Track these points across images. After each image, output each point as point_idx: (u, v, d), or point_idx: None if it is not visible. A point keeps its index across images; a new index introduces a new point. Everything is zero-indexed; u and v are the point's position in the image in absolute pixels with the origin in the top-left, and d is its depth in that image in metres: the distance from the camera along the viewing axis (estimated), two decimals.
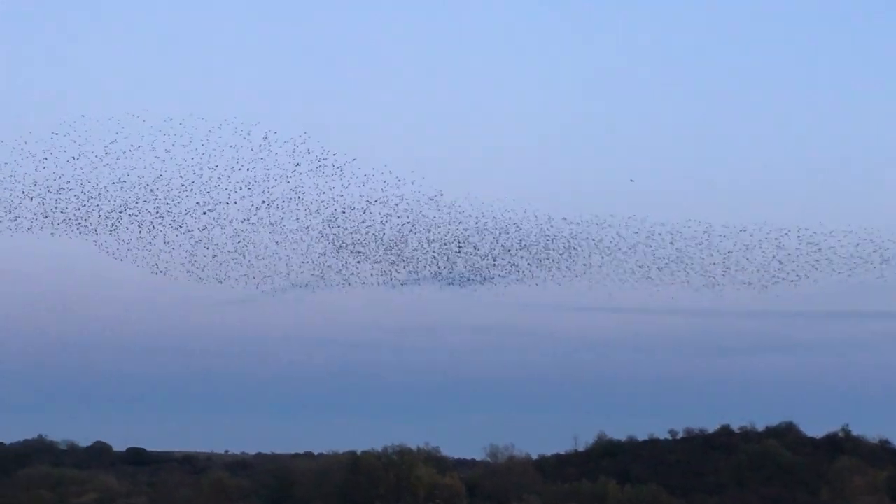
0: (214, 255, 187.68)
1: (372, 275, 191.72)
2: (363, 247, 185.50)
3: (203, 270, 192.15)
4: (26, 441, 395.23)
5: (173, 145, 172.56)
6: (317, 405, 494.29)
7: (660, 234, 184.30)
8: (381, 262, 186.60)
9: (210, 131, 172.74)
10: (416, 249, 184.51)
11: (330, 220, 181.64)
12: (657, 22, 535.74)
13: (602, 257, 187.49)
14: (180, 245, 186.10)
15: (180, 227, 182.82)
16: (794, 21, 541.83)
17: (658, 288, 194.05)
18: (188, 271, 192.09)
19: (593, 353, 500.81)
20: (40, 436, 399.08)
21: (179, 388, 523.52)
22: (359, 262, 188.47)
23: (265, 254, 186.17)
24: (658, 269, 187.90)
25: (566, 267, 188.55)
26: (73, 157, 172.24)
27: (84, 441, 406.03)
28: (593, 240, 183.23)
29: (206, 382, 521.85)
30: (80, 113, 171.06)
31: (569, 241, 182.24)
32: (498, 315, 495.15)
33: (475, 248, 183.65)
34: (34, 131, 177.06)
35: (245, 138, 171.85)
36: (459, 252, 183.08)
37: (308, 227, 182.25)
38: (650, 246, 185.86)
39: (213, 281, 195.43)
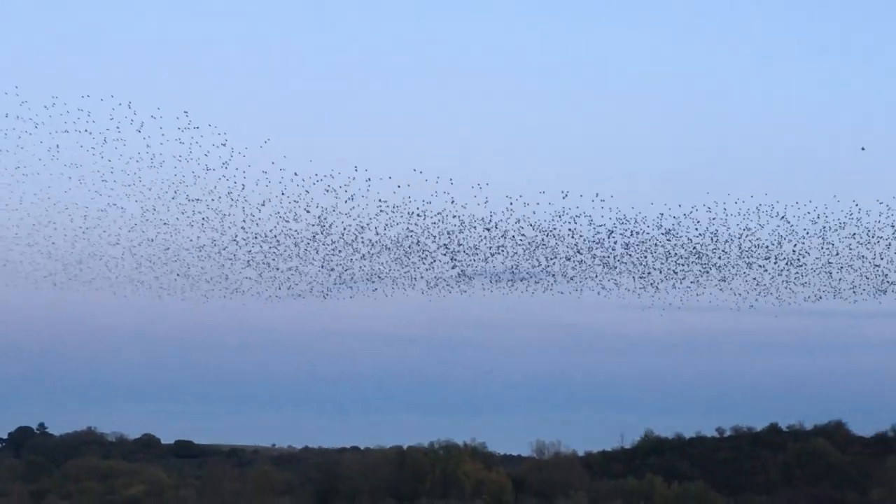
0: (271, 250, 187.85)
1: (422, 273, 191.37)
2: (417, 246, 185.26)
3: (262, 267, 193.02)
4: (76, 433, 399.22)
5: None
6: (364, 400, 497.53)
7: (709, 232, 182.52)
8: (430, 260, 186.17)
9: None
10: (461, 245, 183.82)
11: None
12: None
13: (651, 255, 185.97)
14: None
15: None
16: None
17: (707, 287, 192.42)
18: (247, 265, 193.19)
19: (642, 350, 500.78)
20: (90, 428, 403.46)
21: (228, 382, 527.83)
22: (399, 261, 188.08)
23: (327, 251, 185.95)
24: (714, 267, 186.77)
25: (613, 265, 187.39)
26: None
27: (133, 433, 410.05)
28: (639, 236, 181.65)
29: (254, 377, 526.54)
30: None
31: (625, 240, 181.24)
32: (546, 313, 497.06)
33: (514, 245, 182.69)
34: None
35: None
36: (498, 251, 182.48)
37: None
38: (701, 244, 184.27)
39: (266, 277, 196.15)
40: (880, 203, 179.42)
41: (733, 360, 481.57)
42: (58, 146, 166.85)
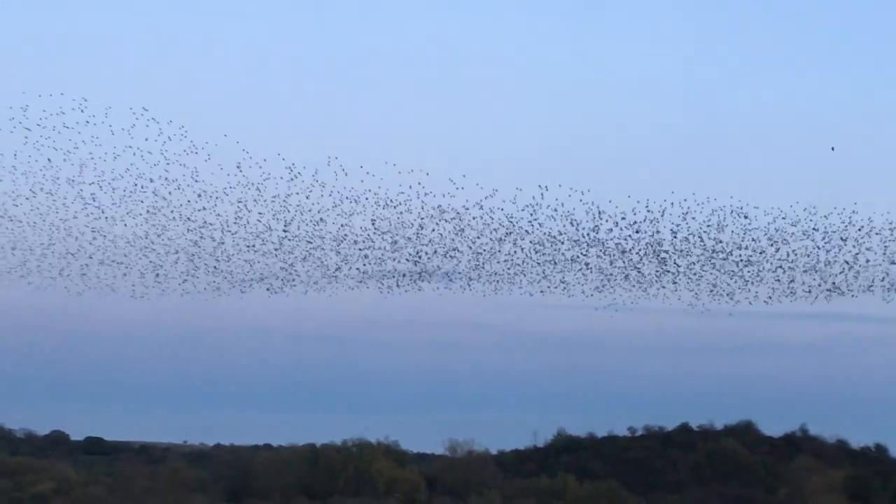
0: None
1: (338, 270, 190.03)
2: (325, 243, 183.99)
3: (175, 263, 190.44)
4: None
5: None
6: (277, 398, 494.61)
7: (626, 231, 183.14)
8: (345, 259, 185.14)
9: None
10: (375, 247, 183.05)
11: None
12: None
13: (560, 254, 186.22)
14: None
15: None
16: None
17: (620, 286, 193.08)
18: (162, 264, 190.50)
19: (555, 348, 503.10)
20: None
21: (139, 378, 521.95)
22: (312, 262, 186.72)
23: (234, 250, 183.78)
24: (621, 266, 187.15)
25: (526, 264, 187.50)
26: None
27: (41, 430, 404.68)
28: (552, 234, 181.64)
29: (165, 373, 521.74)
30: None
31: (536, 238, 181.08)
32: (459, 312, 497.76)
33: (430, 241, 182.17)
34: None
35: None
36: (422, 248, 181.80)
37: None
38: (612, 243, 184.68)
39: (177, 273, 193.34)
40: (797, 203, 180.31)
41: (645, 359, 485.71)
42: None
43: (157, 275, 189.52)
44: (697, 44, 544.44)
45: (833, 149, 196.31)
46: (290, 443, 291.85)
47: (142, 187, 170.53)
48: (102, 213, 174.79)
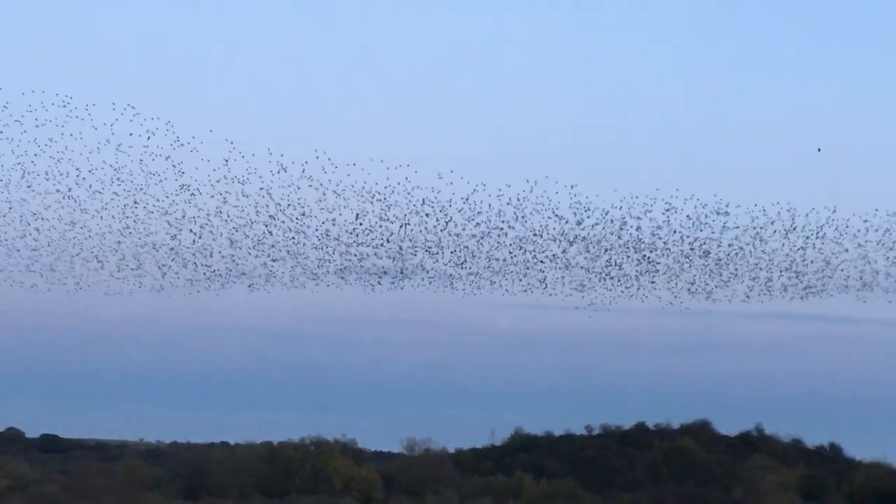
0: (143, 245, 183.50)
1: (292, 269, 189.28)
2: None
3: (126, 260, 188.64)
4: None
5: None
6: (234, 395, 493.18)
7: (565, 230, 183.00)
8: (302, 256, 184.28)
9: None
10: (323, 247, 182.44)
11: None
12: None
13: (517, 252, 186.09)
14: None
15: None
16: None
17: (576, 285, 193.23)
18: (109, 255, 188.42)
19: (512, 347, 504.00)
20: None
21: (95, 375, 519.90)
22: (274, 261, 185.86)
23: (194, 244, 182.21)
24: (580, 266, 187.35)
25: (483, 262, 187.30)
26: None
27: None
28: (502, 231, 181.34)
29: (121, 371, 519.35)
30: None
31: (484, 234, 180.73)
32: (418, 309, 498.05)
33: (394, 242, 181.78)
34: None
35: None
36: (382, 245, 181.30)
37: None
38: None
39: (129, 270, 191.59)
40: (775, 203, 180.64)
41: (602, 358, 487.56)
42: None
43: (120, 269, 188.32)
44: (695, 42, 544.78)
45: (819, 150, 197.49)
46: (247, 441, 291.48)
47: (120, 180, 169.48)
48: (79, 205, 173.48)
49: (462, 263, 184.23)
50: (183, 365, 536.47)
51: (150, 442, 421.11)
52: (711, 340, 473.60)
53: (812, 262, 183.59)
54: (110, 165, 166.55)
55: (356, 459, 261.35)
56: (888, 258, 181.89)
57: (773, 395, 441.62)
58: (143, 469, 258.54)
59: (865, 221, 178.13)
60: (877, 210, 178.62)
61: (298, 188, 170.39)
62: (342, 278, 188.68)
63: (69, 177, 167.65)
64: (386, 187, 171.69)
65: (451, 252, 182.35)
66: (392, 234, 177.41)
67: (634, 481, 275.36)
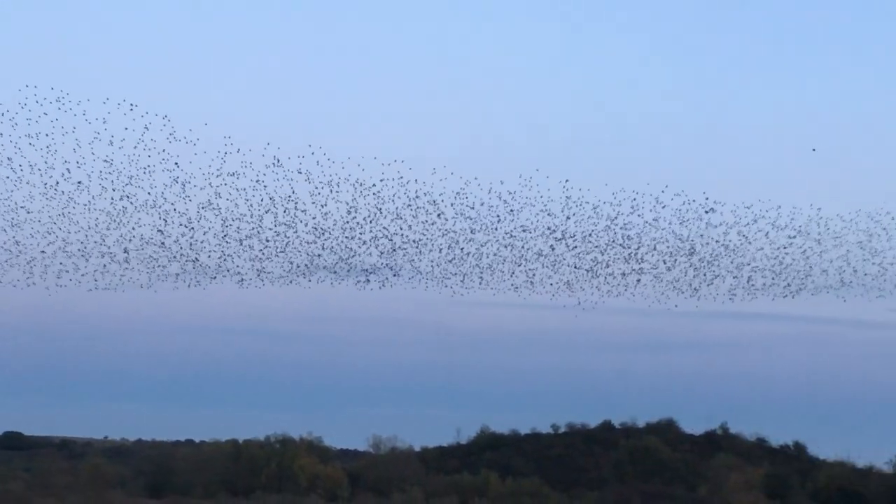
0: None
1: (258, 264, 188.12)
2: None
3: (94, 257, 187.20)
4: None
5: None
6: (199, 393, 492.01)
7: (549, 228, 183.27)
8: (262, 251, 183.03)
9: None
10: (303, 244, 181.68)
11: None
12: None
13: (487, 251, 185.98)
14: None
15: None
16: None
17: (543, 284, 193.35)
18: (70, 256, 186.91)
19: (478, 345, 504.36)
20: None
21: (59, 372, 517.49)
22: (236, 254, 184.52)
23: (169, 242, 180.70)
24: (542, 264, 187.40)
25: (448, 261, 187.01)
26: None
27: None
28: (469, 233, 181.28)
29: (86, 368, 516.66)
30: None
31: (450, 235, 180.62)
32: (383, 307, 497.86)
33: (361, 238, 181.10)
34: None
35: None
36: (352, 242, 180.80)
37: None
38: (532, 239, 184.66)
39: (97, 266, 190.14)
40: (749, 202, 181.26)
41: (568, 357, 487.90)
42: None
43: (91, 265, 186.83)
44: (691, 40, 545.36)
45: (814, 150, 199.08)
46: (212, 438, 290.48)
47: (108, 174, 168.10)
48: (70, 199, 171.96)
49: (450, 261, 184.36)
50: (148, 362, 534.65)
51: (115, 440, 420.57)
52: (676, 340, 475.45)
53: (792, 261, 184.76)
54: (102, 159, 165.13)
55: (322, 457, 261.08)
56: (863, 258, 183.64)
57: (739, 393, 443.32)
58: (108, 467, 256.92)
59: (844, 221, 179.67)
60: (858, 211, 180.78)
61: (293, 182, 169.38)
62: (303, 275, 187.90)
63: (56, 170, 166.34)
64: (381, 179, 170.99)
65: (439, 251, 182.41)
66: (384, 228, 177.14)
67: (600, 479, 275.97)
